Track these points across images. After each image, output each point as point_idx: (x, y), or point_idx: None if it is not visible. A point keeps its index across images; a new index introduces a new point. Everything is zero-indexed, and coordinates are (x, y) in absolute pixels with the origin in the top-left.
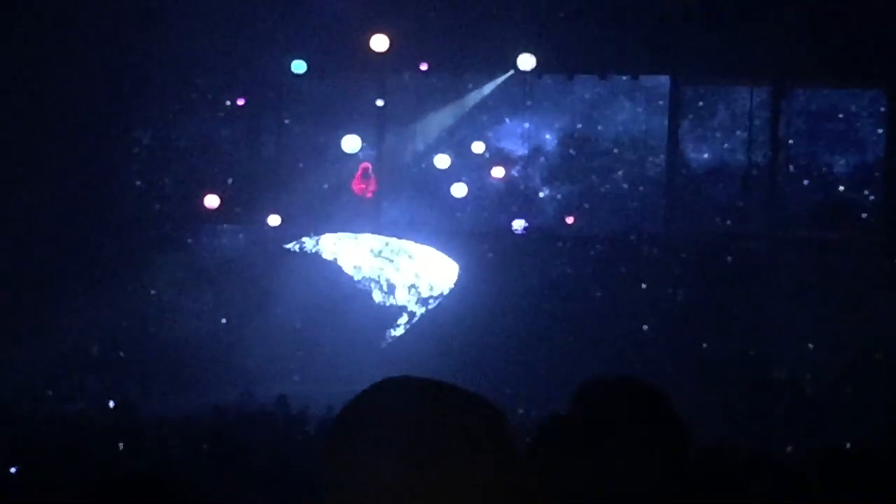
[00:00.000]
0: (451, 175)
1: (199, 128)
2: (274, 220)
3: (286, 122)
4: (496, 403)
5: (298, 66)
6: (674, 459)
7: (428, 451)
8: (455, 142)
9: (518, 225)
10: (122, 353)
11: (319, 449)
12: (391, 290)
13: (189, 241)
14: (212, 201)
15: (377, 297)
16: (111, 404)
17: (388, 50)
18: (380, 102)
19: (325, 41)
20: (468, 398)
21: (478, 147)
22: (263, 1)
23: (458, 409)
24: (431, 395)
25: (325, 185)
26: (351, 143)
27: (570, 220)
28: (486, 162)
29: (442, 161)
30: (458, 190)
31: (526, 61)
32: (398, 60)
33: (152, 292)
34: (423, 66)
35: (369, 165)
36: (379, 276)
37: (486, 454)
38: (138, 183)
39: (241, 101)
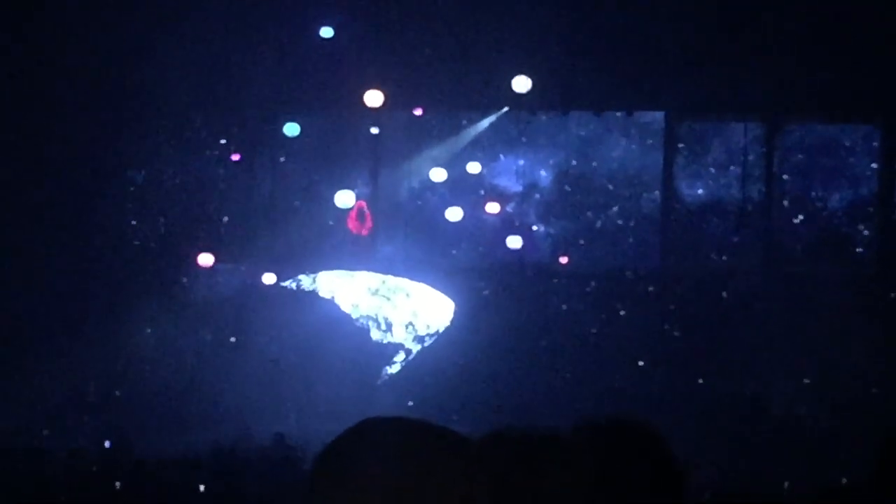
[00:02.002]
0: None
1: (194, 167)
2: (269, 278)
3: (281, 159)
4: (483, 442)
5: (292, 129)
6: (670, 501)
7: (409, 491)
8: (450, 179)
9: (454, 215)
10: (118, 392)
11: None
12: (389, 327)
13: (184, 279)
14: (205, 259)
15: (375, 334)
16: (107, 444)
17: (383, 104)
18: (374, 130)
19: (319, 100)
20: (450, 437)
21: (473, 167)
22: (257, 51)
23: (440, 448)
24: (413, 434)
25: (320, 223)
26: (344, 199)
27: (563, 259)
28: (480, 198)
29: (438, 175)
30: (454, 214)
31: (521, 83)
32: (392, 108)
33: (148, 331)
34: (418, 112)
35: (364, 203)
36: (377, 314)
37: (468, 493)
38: (133, 222)
39: (235, 157)
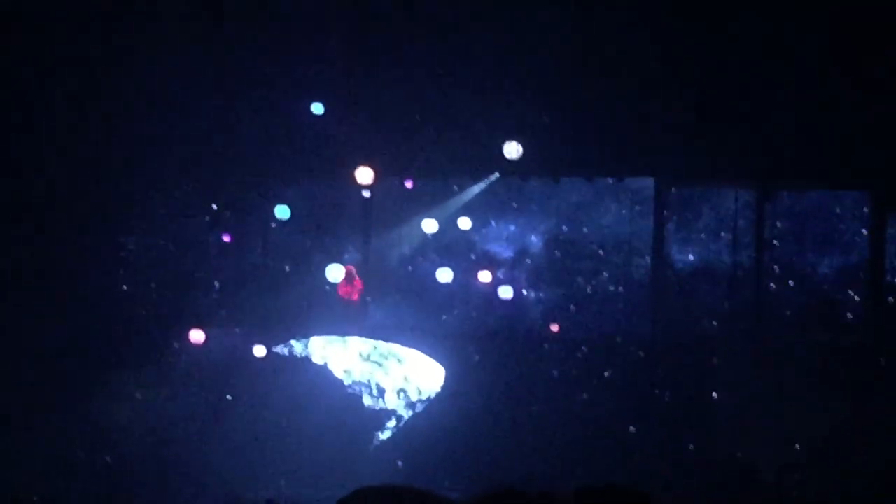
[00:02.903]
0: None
1: (185, 232)
2: (259, 350)
3: (272, 225)
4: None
5: (282, 212)
6: None
7: None
8: (440, 244)
9: (445, 276)
10: (107, 458)
11: None
12: (381, 393)
13: (175, 344)
14: (197, 336)
15: (367, 400)
16: None
17: (374, 180)
18: (366, 194)
19: (309, 171)
20: (443, 502)
21: (464, 223)
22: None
23: None
24: (406, 501)
25: (311, 289)
26: (335, 273)
27: (554, 328)
28: (471, 263)
29: (429, 226)
30: (444, 276)
31: (512, 150)
32: (382, 182)
33: (138, 396)
34: (409, 184)
35: (353, 268)
36: (368, 380)
37: None
38: (124, 287)
39: (227, 238)
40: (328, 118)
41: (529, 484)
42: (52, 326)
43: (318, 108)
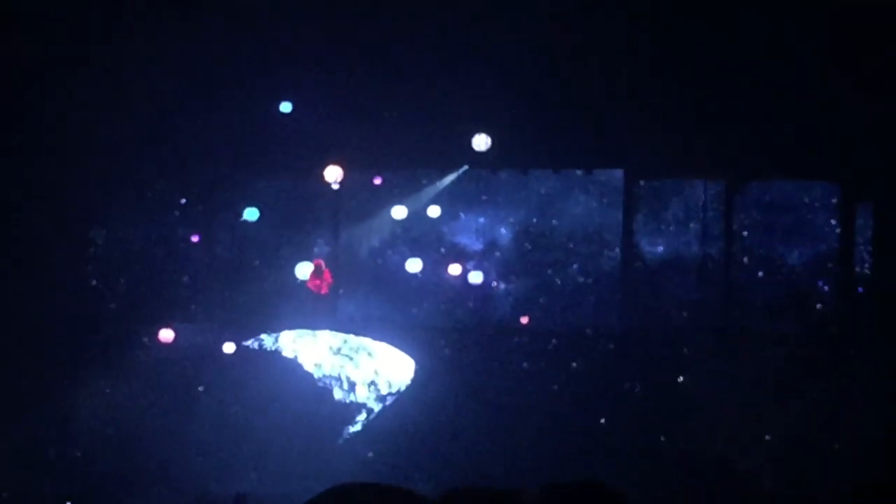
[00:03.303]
0: (406, 271)
1: (155, 227)
2: (229, 347)
3: (241, 219)
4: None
5: (251, 214)
6: None
7: None
8: (409, 237)
9: (414, 266)
10: (77, 454)
11: None
12: (352, 387)
13: (145, 339)
14: (166, 335)
15: (337, 394)
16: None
17: (342, 177)
18: (335, 186)
19: (277, 169)
20: (413, 499)
21: (433, 211)
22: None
23: None
24: (379, 499)
25: (281, 283)
26: (304, 270)
27: (524, 319)
28: (441, 256)
29: (399, 212)
30: (414, 266)
31: (481, 142)
32: (351, 181)
33: (107, 391)
34: (377, 181)
35: (322, 262)
36: (339, 374)
37: None
38: (94, 282)
39: (195, 238)
40: (296, 115)
41: (497, 479)
42: (21, 321)
43: (286, 107)
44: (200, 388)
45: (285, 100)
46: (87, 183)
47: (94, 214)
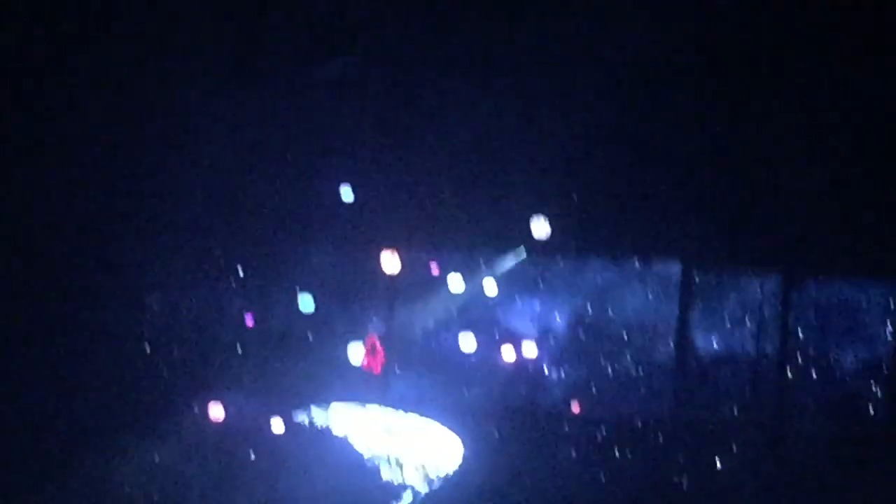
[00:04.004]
0: (459, 353)
1: (209, 294)
2: (277, 423)
3: (298, 289)
4: None
5: (306, 305)
6: None
7: None
8: (465, 320)
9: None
10: None
11: None
12: (399, 467)
13: (195, 407)
14: (216, 412)
15: (385, 473)
16: None
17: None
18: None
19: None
20: None
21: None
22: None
23: None
24: None
25: (332, 359)
26: (357, 353)
27: (575, 408)
28: (495, 341)
29: (455, 281)
30: (467, 343)
31: (539, 228)
32: (408, 264)
33: (157, 460)
34: (435, 271)
35: (376, 339)
36: (388, 454)
37: None
38: (147, 348)
39: (249, 321)
40: (356, 201)
41: None
42: (67, 383)
43: (347, 194)
44: (252, 457)
45: (343, 180)
46: (146, 245)
47: (151, 278)
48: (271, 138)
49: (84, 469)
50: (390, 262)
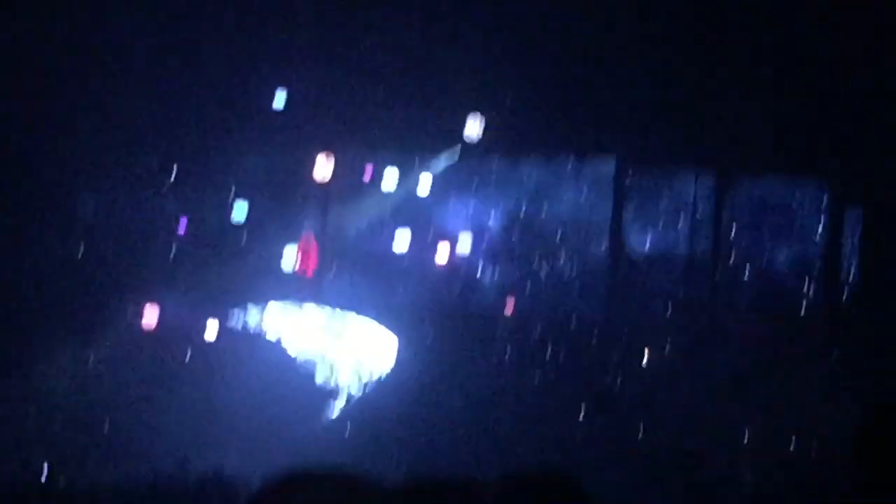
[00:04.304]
0: (393, 253)
1: (142, 198)
2: (212, 326)
3: (230, 192)
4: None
5: (240, 213)
6: None
7: None
8: (400, 222)
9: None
10: (58, 422)
11: None
12: (334, 368)
13: (129, 310)
14: (150, 316)
15: (320, 374)
16: (44, 475)
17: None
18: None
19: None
20: (373, 491)
21: (424, 184)
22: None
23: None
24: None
25: (267, 261)
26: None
27: (509, 307)
28: (429, 242)
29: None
30: (401, 241)
31: (473, 127)
32: (340, 173)
33: (90, 361)
34: (367, 176)
35: (309, 239)
36: (322, 354)
37: None
38: (80, 250)
39: (181, 232)
40: (288, 99)
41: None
42: (2, 291)
43: (280, 100)
44: (186, 359)
45: (277, 84)
46: (75, 150)
47: (81, 182)
48: (204, 42)
49: (16, 372)
50: (323, 166)
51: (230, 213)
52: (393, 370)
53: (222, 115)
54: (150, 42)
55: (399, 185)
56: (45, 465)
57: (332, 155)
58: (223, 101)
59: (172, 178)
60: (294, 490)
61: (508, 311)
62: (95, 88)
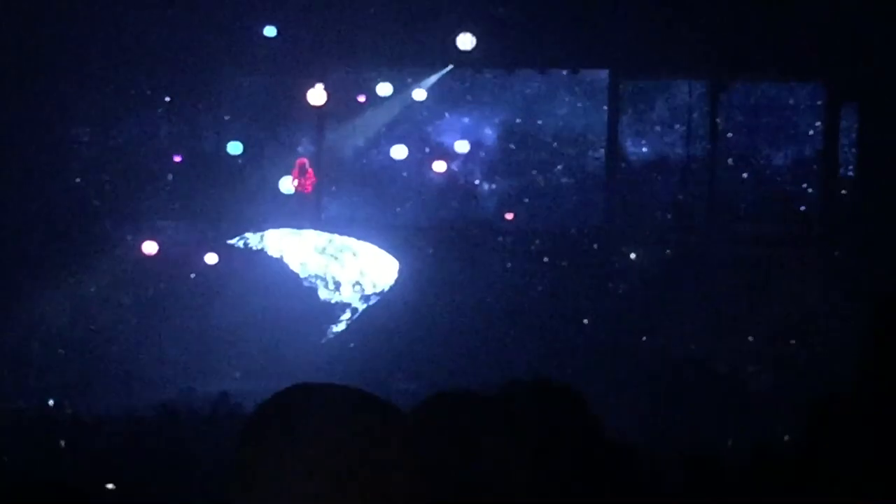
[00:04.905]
0: (391, 170)
1: (139, 125)
2: (211, 258)
3: (226, 118)
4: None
5: (235, 148)
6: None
7: (336, 465)
8: (396, 137)
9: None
10: (62, 351)
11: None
12: (337, 286)
13: (129, 237)
14: (149, 247)
15: (322, 293)
16: (51, 402)
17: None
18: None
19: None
20: (381, 409)
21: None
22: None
23: (370, 420)
24: (341, 403)
25: (265, 182)
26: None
27: (509, 216)
28: (426, 157)
29: (384, 89)
30: (399, 153)
31: (466, 41)
32: (336, 98)
33: (93, 289)
34: (361, 98)
35: (306, 160)
36: (324, 274)
37: (398, 468)
38: (78, 180)
39: (177, 158)
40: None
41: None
42: (3, 220)
43: (270, 31)
44: (192, 276)
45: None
46: (68, 79)
47: (75, 112)
48: None
49: (22, 301)
50: (318, 91)
51: (227, 139)
52: (394, 285)
53: (218, 42)
54: None
55: (394, 101)
56: (50, 390)
57: (326, 77)
58: (219, 29)
59: (169, 106)
60: (299, 402)
61: (508, 217)
62: (91, 19)
